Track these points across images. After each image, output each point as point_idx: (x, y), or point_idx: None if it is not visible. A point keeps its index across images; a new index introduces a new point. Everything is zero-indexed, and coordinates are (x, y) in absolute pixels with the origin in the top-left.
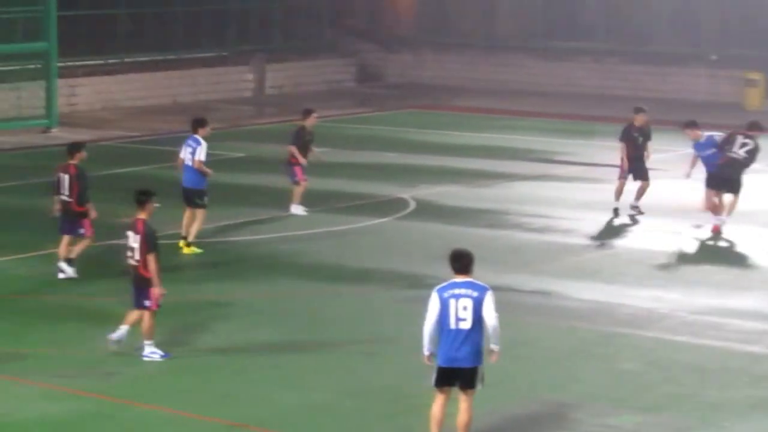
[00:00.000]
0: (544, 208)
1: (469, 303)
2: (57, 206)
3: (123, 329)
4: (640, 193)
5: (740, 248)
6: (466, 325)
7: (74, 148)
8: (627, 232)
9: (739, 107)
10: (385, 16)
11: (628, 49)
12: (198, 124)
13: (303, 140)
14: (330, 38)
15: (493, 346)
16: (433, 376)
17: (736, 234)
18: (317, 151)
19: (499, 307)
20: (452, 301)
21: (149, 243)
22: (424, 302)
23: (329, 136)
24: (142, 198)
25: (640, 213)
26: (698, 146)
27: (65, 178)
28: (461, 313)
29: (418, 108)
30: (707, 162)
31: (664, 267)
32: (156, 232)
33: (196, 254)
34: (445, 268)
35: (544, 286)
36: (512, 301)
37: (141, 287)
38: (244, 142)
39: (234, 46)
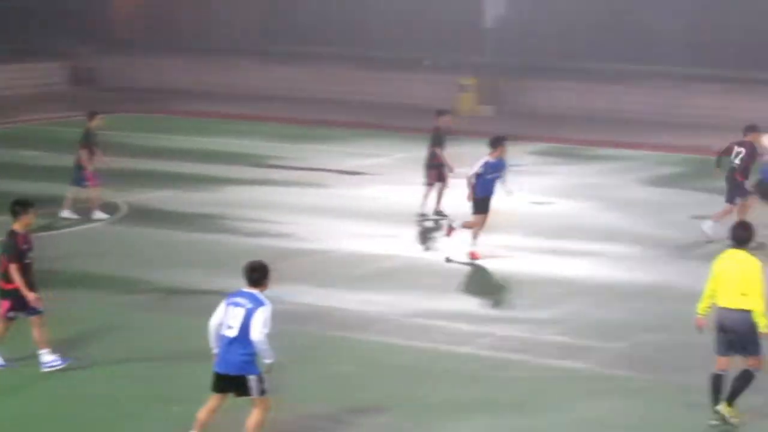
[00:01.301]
0: (259, 212)
1: (240, 313)
2: None
3: None
4: (441, 195)
5: (449, 253)
6: (232, 333)
7: None
8: (339, 237)
9: (454, 112)
10: (100, 18)
11: (348, 53)
12: None
13: (89, 142)
14: (43, 40)
15: (266, 360)
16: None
17: (446, 239)
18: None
19: (208, 310)
20: (230, 308)
21: (13, 248)
22: (137, 307)
23: (41, 139)
24: (18, 208)
25: (444, 216)
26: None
27: None
28: (231, 321)
29: (133, 112)
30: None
31: (375, 271)
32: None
33: None
34: (158, 273)
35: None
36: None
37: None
38: None
39: None
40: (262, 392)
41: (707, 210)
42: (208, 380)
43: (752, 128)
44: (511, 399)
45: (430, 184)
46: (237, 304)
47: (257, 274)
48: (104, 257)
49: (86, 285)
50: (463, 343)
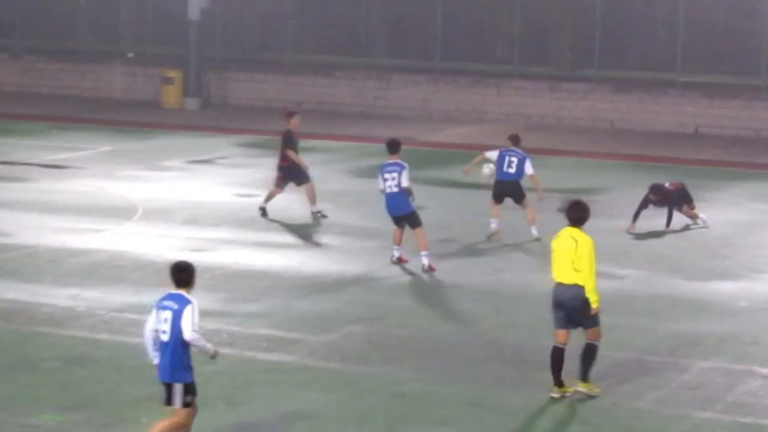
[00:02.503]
0: None
1: (169, 315)
2: None
3: None
4: (312, 195)
5: (160, 246)
6: (165, 337)
7: None
8: (46, 231)
9: (158, 105)
10: None
11: (49, 46)
12: None
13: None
14: None
15: (208, 351)
16: None
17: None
18: None
19: None
20: (159, 312)
21: None
22: None
23: None
24: None
25: (324, 216)
26: None
27: None
28: (162, 325)
29: None
30: None
31: (83, 265)
32: None
33: None
34: None
35: None
36: None
37: None
38: None
39: None
40: (186, 404)
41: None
42: None
43: None
44: (220, 393)
45: (279, 186)
46: (164, 308)
47: (185, 274)
48: None
49: None
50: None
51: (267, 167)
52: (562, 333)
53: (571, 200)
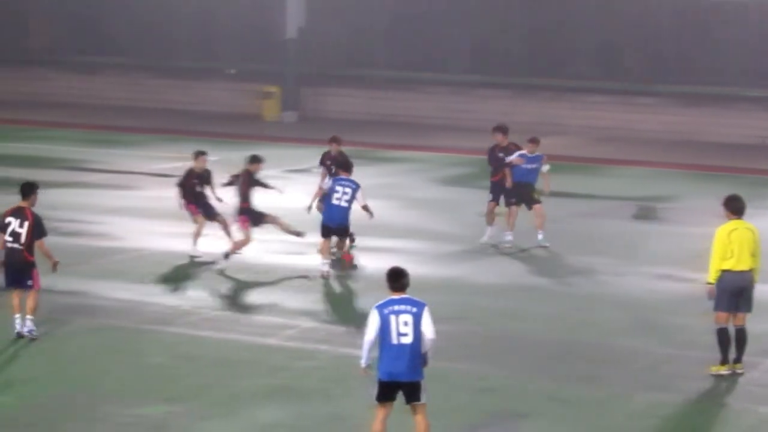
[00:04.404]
0: (75, 213)
1: (409, 318)
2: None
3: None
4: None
5: (263, 250)
6: (407, 339)
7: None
8: (151, 236)
9: (258, 118)
10: None
11: (154, 63)
12: None
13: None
14: None
15: (428, 356)
16: (375, 391)
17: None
18: None
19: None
20: (392, 317)
21: (42, 229)
22: None
23: None
24: (27, 189)
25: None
26: None
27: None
28: (402, 329)
29: None
30: None
31: (187, 267)
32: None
33: None
34: None
35: (75, 287)
36: (45, 301)
37: (25, 270)
38: None
39: None
40: (425, 394)
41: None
42: (22, 373)
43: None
44: (316, 387)
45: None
46: (399, 312)
47: (405, 279)
48: None
49: None
50: (270, 334)
51: (360, 177)
52: (724, 315)
53: (730, 194)
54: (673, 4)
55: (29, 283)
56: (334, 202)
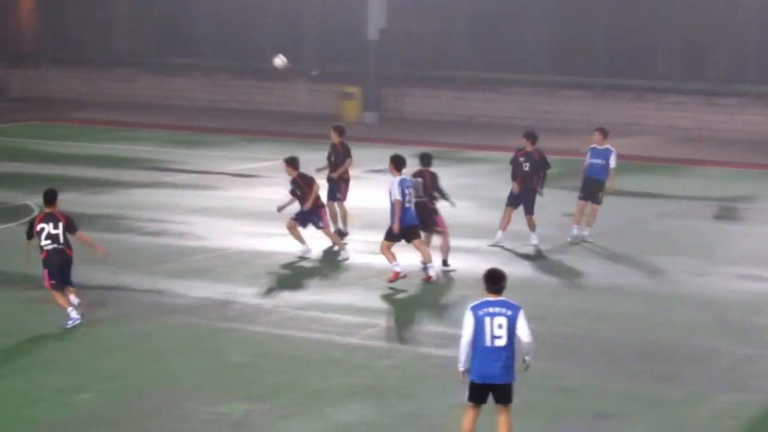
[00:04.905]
0: (159, 212)
1: (504, 321)
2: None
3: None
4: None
5: (336, 249)
6: (501, 342)
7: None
8: (235, 235)
9: (338, 119)
10: (8, 31)
11: (238, 64)
12: None
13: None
14: None
15: (528, 359)
16: (466, 392)
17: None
18: None
19: (115, 304)
20: (487, 320)
21: (74, 224)
22: (43, 302)
23: None
24: (52, 196)
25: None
26: None
27: None
28: (497, 331)
29: (40, 120)
30: None
31: (269, 266)
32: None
33: None
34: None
35: (158, 285)
36: (129, 300)
37: (70, 266)
38: None
39: None
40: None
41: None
42: (107, 370)
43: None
44: (396, 385)
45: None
46: (494, 315)
47: (503, 282)
48: (10, 256)
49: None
50: (350, 333)
51: (443, 177)
52: None
53: None
54: (758, 3)
55: (74, 279)
56: (407, 205)
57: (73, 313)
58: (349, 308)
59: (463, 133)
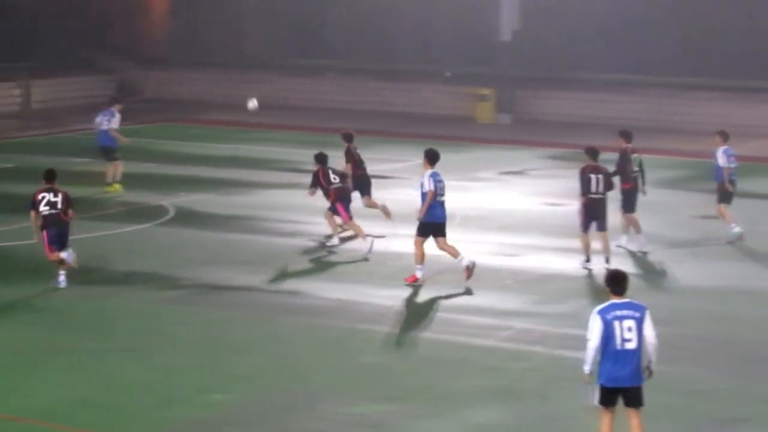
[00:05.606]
0: (293, 214)
1: (632, 324)
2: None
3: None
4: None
5: (474, 251)
6: (631, 345)
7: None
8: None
9: (471, 121)
10: (141, 34)
11: (372, 66)
12: None
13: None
14: (90, 56)
15: (653, 365)
16: (596, 396)
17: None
18: None
19: (244, 305)
20: (616, 323)
21: (71, 201)
22: (180, 302)
23: (90, 148)
24: (51, 174)
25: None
26: None
27: None
28: (626, 334)
29: (173, 121)
30: None
31: (401, 268)
32: None
33: None
34: (200, 270)
35: (292, 287)
36: (263, 301)
37: (65, 232)
38: (13, 153)
39: None
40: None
41: (709, 210)
42: (242, 370)
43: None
44: (531, 388)
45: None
46: (623, 318)
47: (627, 283)
48: (147, 256)
49: (128, 282)
50: (484, 335)
51: (573, 178)
52: None
53: None
54: None
55: (68, 244)
56: (439, 199)
57: (62, 278)
58: (484, 310)
59: (595, 135)
